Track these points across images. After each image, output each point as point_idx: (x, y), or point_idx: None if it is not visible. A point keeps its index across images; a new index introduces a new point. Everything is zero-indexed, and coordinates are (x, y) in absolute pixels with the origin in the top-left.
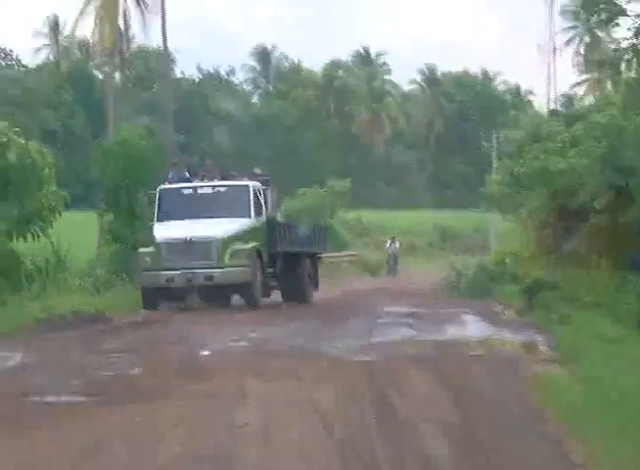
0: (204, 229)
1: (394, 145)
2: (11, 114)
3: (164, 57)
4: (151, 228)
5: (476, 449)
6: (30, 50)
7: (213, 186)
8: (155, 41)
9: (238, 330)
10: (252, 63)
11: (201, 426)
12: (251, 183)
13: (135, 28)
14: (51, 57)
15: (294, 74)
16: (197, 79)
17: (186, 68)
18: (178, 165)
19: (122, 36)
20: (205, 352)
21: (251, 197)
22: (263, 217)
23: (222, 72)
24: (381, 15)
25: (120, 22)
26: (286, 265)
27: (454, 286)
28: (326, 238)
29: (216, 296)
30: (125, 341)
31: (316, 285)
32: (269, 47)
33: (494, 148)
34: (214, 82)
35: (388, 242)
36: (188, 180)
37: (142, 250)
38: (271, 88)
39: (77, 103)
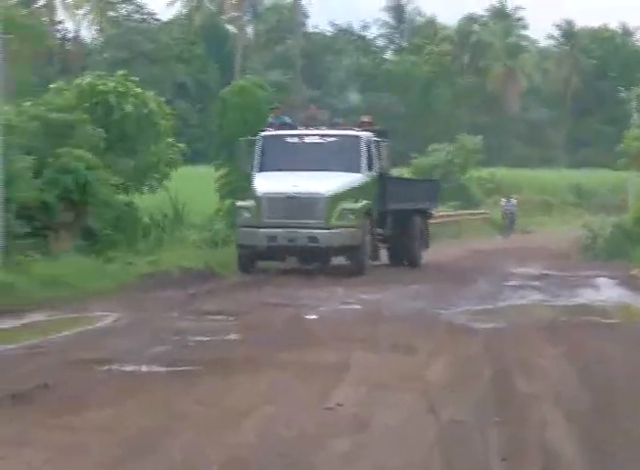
0: (309, 184)
1: (529, 102)
2: (141, 67)
3: (295, 10)
4: (250, 179)
5: (608, 444)
6: (164, 3)
7: (321, 135)
8: None
9: (350, 291)
10: (386, 18)
11: (289, 405)
12: (363, 134)
13: None
14: (184, 10)
15: (428, 30)
16: (329, 34)
17: (319, 22)
18: (278, 110)
19: None
20: (312, 316)
21: (363, 149)
22: (375, 172)
23: (355, 27)
24: None
25: None
26: (395, 224)
27: (589, 247)
28: (438, 192)
29: (318, 258)
30: (228, 302)
31: (426, 244)
32: (403, 1)
33: (634, 101)
34: (347, 37)
35: (504, 199)
36: (290, 126)
37: (240, 203)
38: (405, 44)
39: (210, 57)
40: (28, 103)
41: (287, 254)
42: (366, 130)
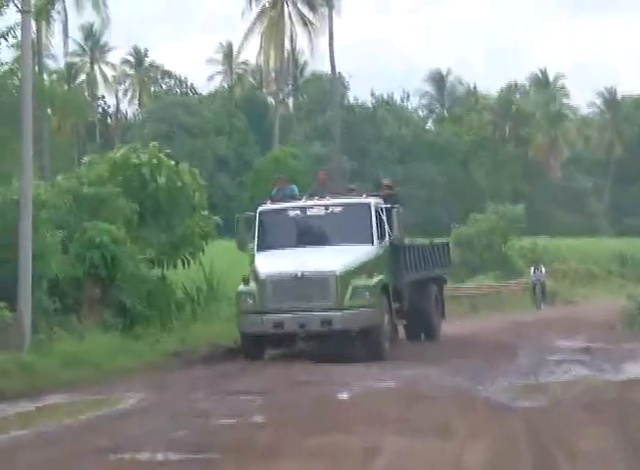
0: (317, 261)
1: (572, 170)
2: (182, 141)
3: (332, 81)
4: (251, 259)
5: None
6: (204, 77)
7: (326, 206)
8: (328, 66)
9: (386, 367)
10: (427, 88)
11: None
12: (372, 200)
13: (307, 54)
14: (224, 84)
15: (469, 99)
16: (370, 105)
17: (360, 93)
18: (282, 182)
19: (291, 61)
20: (343, 396)
21: (374, 218)
22: (387, 242)
23: (396, 98)
24: (559, 37)
25: (287, 45)
26: (411, 296)
27: (634, 318)
28: (449, 256)
29: (333, 343)
30: (258, 380)
31: (443, 314)
32: (444, 71)
33: None
34: (388, 108)
35: (532, 268)
36: (294, 198)
37: (242, 288)
38: (446, 113)
39: (250, 130)
40: (60, 177)
41: (296, 340)
42: (375, 195)
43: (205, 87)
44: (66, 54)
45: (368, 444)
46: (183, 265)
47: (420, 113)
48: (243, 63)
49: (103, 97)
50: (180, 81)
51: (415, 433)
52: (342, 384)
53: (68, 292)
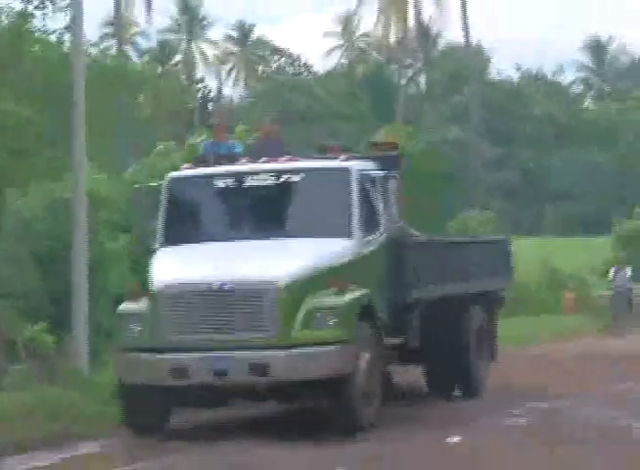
0: (250, 264)
1: None
2: (295, 128)
3: (467, 52)
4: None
5: None
6: (321, 54)
7: (277, 172)
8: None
9: (522, 395)
10: (584, 59)
11: None
12: (354, 165)
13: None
14: (344, 61)
15: (635, 71)
16: (516, 81)
17: (505, 67)
18: (220, 131)
19: (418, 31)
20: (454, 439)
21: (355, 192)
22: (381, 235)
23: (546, 72)
24: None
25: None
26: (431, 324)
27: None
28: (510, 260)
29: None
30: None
31: (492, 355)
32: (604, 39)
33: None
34: (537, 84)
35: (612, 269)
36: (235, 160)
37: (125, 306)
38: (607, 89)
39: (376, 114)
40: (130, 170)
41: (214, 397)
42: (364, 158)
43: (321, 65)
44: (150, 25)
45: None
46: None
47: (575, 89)
48: (364, 35)
49: (202, 80)
50: (292, 59)
51: None
52: (460, 421)
53: None
